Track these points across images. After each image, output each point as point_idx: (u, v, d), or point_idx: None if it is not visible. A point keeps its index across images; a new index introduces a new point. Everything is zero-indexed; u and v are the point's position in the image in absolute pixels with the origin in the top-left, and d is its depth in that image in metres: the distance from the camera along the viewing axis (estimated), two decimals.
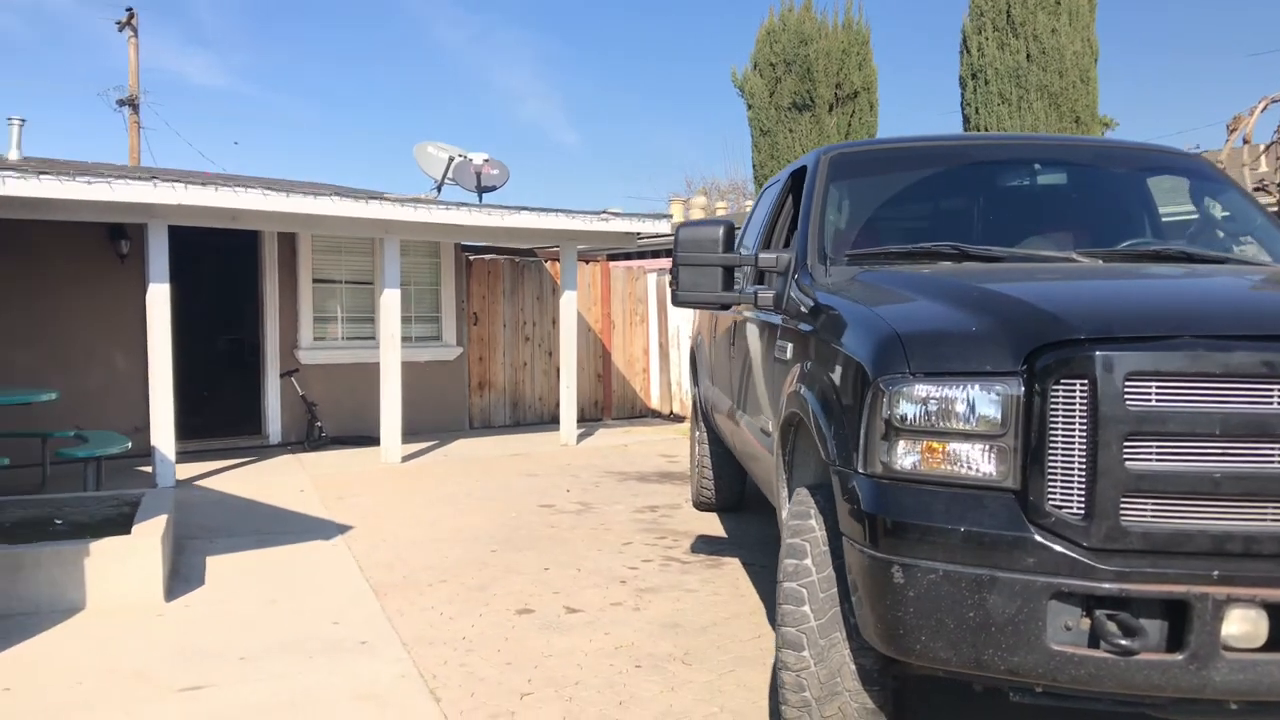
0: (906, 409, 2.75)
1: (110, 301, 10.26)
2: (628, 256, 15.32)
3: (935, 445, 2.75)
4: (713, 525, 7.15)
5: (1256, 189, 9.45)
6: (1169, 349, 2.57)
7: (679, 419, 13.57)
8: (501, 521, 7.29)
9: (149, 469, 8.70)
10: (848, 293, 3.58)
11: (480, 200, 14.69)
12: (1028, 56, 10.82)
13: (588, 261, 14.26)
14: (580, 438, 11.95)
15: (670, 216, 12.06)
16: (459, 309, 12.96)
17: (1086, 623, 2.59)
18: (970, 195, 4.47)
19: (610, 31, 74.75)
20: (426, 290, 12.74)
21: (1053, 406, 2.61)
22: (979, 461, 2.71)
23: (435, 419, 12.64)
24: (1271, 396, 2.53)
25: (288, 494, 8.29)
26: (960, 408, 2.71)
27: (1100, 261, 3.71)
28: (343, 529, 7.00)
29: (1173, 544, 2.56)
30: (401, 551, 6.38)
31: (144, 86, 26.09)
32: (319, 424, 11.47)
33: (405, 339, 12.18)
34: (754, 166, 13.66)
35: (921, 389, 2.74)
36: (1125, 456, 2.55)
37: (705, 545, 6.54)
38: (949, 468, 2.73)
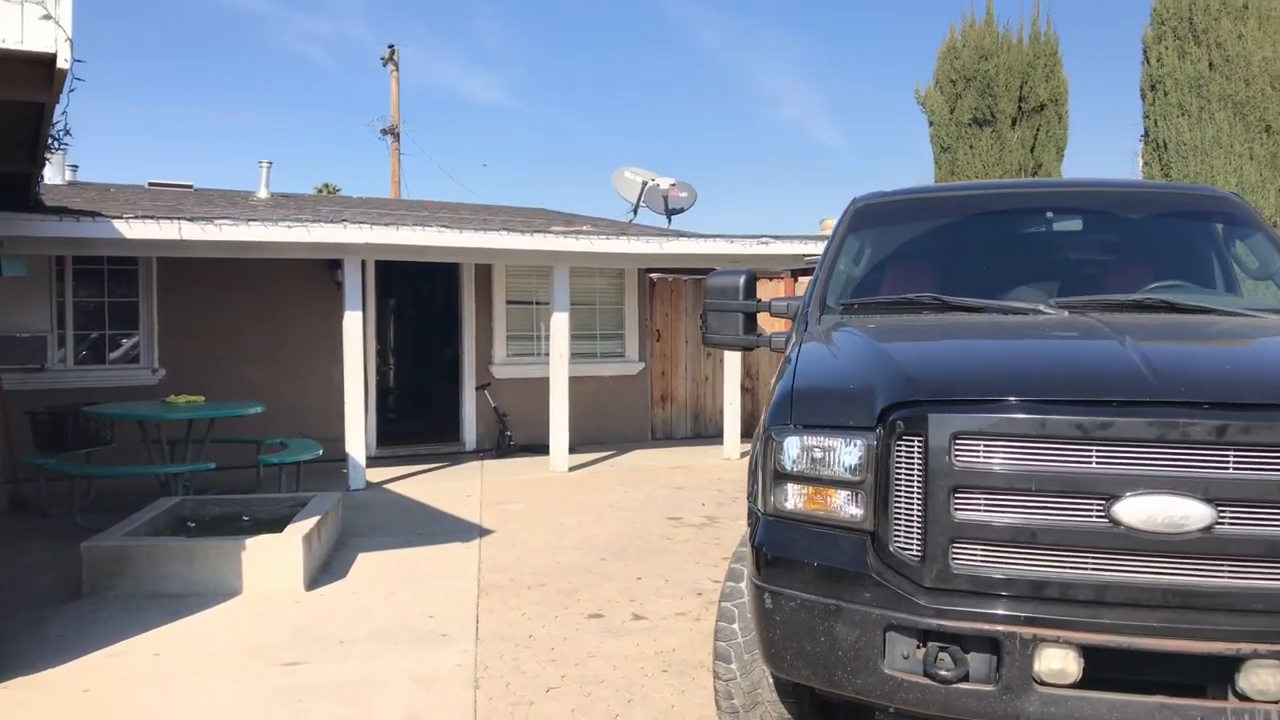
0: (789, 455, 3.15)
1: (328, 324, 11.65)
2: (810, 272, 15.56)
3: (811, 489, 3.13)
4: None
5: None
6: (992, 412, 2.85)
7: None
8: (626, 532, 7.93)
9: (347, 470, 9.95)
10: (815, 341, 3.94)
11: (669, 222, 15.45)
12: (1210, 65, 10.30)
13: (771, 278, 14.65)
14: (748, 452, 12.40)
15: None
16: (642, 326, 13.72)
17: (922, 652, 2.91)
18: (978, 244, 4.66)
19: (871, 29, 74.15)
20: (611, 309, 13.59)
21: (897, 459, 2.95)
22: (844, 505, 3.07)
23: (619, 430, 13.47)
24: (1087, 457, 2.77)
25: (455, 499, 9.29)
26: (829, 457, 3.08)
27: (1066, 313, 3.86)
28: (484, 533, 7.87)
29: (995, 587, 2.84)
30: (522, 556, 7.14)
31: (405, 118, 28.81)
32: (509, 433, 12.56)
33: (590, 355, 13.11)
34: (935, 184, 13.62)
35: (804, 439, 3.13)
36: (954, 507, 2.86)
37: None
38: (821, 509, 3.11)
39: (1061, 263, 4.56)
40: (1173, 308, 3.90)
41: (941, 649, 2.87)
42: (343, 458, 10.05)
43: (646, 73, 76.57)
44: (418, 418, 13.32)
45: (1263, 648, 2.65)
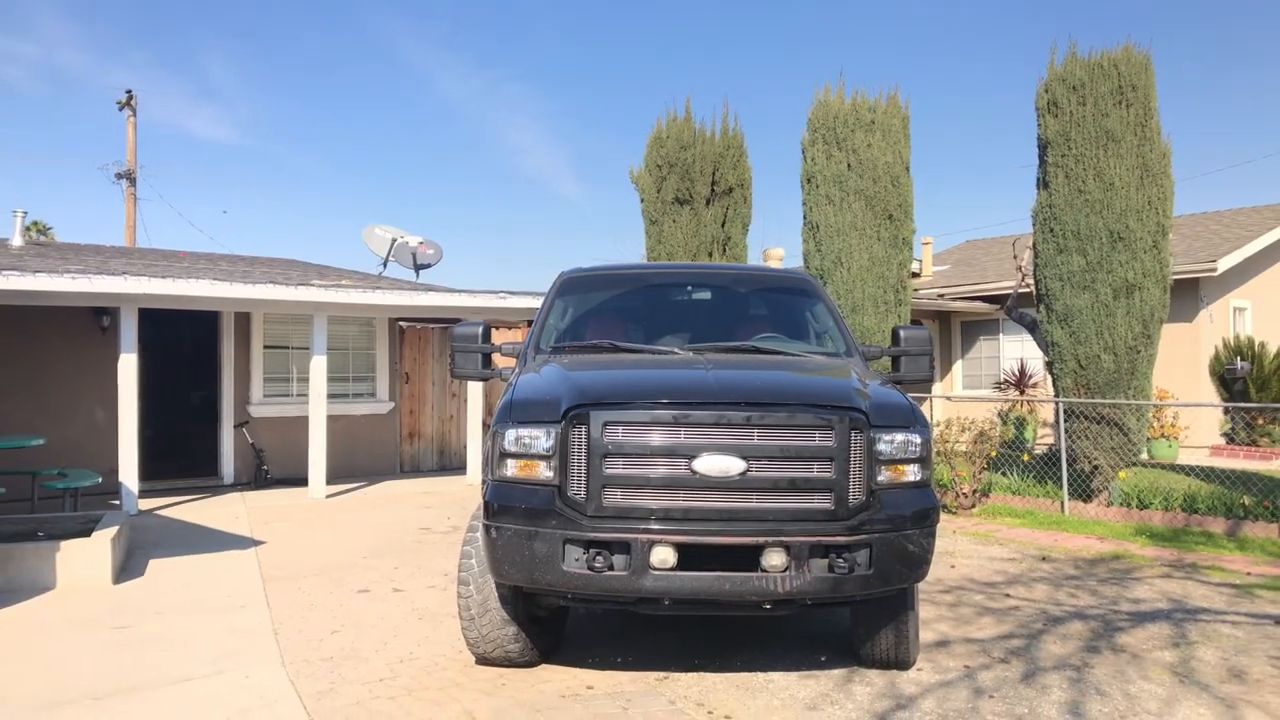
0: (509, 441, 4.97)
1: (93, 366, 12.52)
2: None
3: (522, 462, 4.97)
4: None
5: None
6: (625, 409, 4.81)
7: None
8: (383, 540, 9.50)
9: (118, 501, 10.89)
10: (530, 371, 5.81)
11: (417, 276, 17.08)
12: (848, 166, 13.19)
13: (510, 327, 16.55)
14: None
15: None
16: (392, 369, 15.22)
17: (586, 555, 4.79)
18: (643, 306, 6.75)
19: (616, 86, 78.00)
20: (363, 353, 15.01)
21: (573, 440, 4.84)
22: (542, 470, 4.92)
23: (369, 464, 14.87)
24: (678, 435, 4.77)
25: (224, 520, 10.50)
26: (532, 441, 4.94)
27: (691, 354, 5.93)
28: (257, 543, 9.21)
29: (629, 513, 4.77)
30: (295, 558, 8.58)
31: (141, 161, 28.78)
32: (265, 467, 13.69)
33: (343, 395, 14.46)
34: (646, 250, 15.98)
35: (518, 431, 4.97)
36: (604, 467, 4.77)
37: None
38: (528, 474, 4.95)
39: (695, 321, 6.68)
40: (757, 350, 6.08)
41: (597, 552, 4.77)
42: (111, 490, 10.98)
43: (391, 121, 77.25)
44: (175, 454, 14.15)
45: (770, 539, 4.71)
